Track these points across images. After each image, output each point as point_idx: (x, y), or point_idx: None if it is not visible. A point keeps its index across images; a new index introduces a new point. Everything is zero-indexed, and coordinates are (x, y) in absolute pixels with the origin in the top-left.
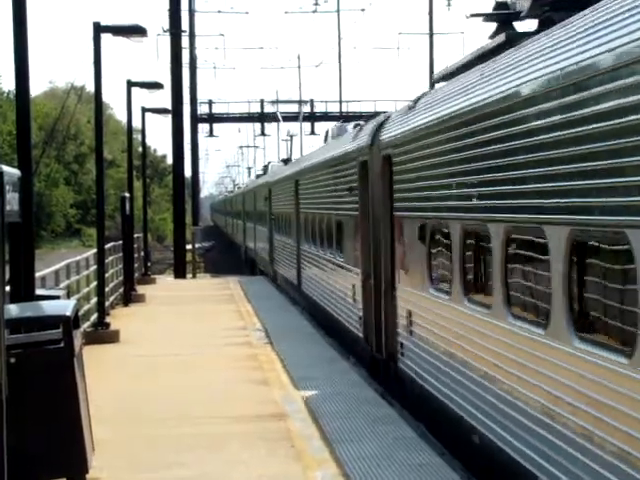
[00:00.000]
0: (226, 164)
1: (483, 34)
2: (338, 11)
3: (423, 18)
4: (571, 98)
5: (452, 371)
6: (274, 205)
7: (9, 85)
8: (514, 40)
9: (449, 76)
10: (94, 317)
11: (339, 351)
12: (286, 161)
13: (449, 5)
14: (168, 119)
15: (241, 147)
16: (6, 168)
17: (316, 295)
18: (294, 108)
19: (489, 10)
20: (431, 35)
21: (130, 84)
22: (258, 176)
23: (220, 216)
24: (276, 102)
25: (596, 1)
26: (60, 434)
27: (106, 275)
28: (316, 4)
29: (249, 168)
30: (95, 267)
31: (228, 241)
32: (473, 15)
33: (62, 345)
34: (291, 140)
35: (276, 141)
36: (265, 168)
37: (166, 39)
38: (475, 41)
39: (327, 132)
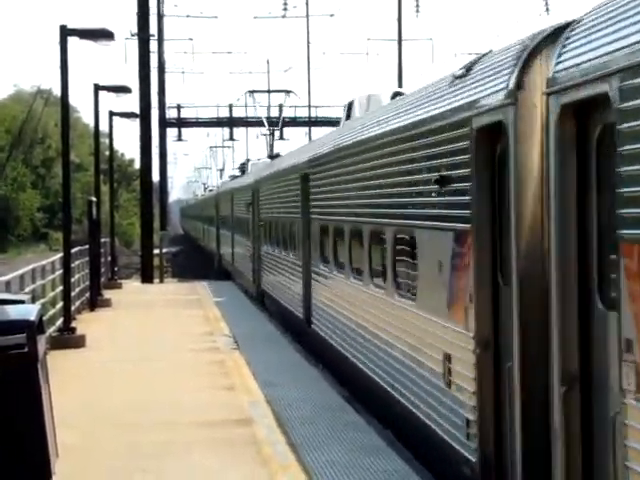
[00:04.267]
0: (195, 167)
1: (451, 41)
2: (307, 16)
3: (392, 24)
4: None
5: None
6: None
7: None
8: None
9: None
10: (60, 322)
11: (306, 357)
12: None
13: (418, 11)
14: (136, 123)
15: (212, 147)
16: None
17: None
18: (263, 113)
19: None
20: (400, 41)
21: (97, 88)
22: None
23: (198, 224)
24: (245, 106)
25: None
26: (22, 439)
27: (72, 280)
28: (285, 9)
29: (221, 170)
30: (61, 271)
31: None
32: None
33: (26, 350)
34: (221, 172)
35: (245, 145)
36: (243, 165)
37: (134, 43)
38: (444, 47)
39: (246, 164)
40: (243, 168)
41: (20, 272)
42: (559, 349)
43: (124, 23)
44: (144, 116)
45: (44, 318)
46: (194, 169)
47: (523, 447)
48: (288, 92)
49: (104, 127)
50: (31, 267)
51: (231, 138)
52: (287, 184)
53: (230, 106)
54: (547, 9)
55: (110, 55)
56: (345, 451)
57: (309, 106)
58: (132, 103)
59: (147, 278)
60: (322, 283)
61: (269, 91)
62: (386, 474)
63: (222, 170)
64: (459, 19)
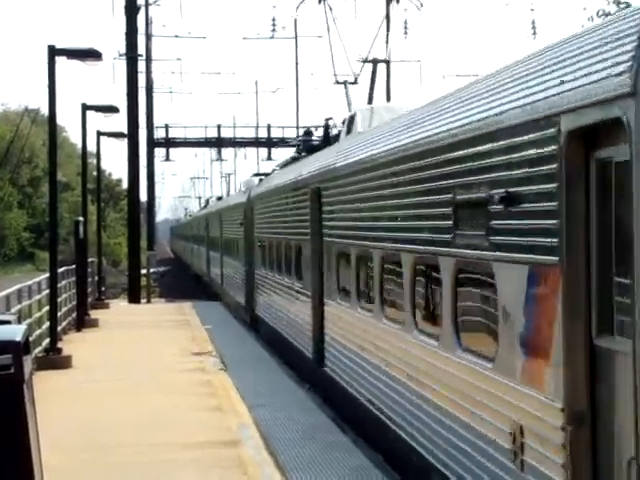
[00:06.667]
0: (190, 177)
1: (440, 62)
2: (296, 37)
3: (380, 45)
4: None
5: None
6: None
7: None
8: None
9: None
10: (46, 342)
11: (294, 378)
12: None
13: (406, 33)
14: (124, 143)
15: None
16: None
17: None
18: (251, 133)
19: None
20: (388, 62)
21: (85, 107)
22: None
23: (197, 249)
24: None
25: None
26: (7, 461)
27: (59, 300)
28: (274, 30)
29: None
30: (47, 291)
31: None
32: None
33: (12, 371)
34: (228, 177)
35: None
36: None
37: (122, 63)
38: (432, 69)
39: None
40: (299, 152)
41: (6, 292)
42: None
43: (112, 43)
44: (132, 136)
45: (30, 338)
46: (188, 179)
47: None
48: None
49: (92, 147)
50: (17, 287)
51: (219, 158)
52: None
53: (218, 126)
54: (534, 32)
55: (98, 75)
56: (332, 472)
57: (297, 126)
58: (120, 123)
59: (134, 298)
60: None
61: None
62: None
63: (229, 175)
64: (447, 41)
